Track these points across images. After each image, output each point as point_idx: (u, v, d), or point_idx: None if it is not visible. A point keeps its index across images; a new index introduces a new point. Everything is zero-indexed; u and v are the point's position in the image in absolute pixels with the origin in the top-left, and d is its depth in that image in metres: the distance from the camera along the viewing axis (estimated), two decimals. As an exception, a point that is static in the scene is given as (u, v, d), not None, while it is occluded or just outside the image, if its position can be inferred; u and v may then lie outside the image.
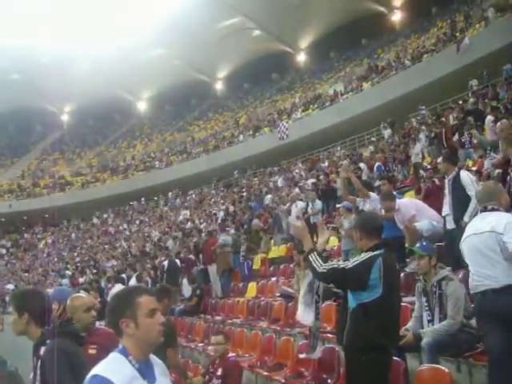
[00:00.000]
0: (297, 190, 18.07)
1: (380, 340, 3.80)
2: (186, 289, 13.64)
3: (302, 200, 15.29)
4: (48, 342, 2.97)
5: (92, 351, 3.51)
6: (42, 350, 2.96)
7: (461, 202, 6.82)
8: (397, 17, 42.99)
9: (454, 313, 4.77)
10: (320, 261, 3.95)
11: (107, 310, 2.43)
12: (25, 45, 44.86)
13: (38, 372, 2.94)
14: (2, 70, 47.93)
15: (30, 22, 43.50)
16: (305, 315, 5.38)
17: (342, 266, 3.96)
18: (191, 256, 14.71)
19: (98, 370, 2.22)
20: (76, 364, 2.93)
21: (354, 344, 3.91)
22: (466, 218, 6.49)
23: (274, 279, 11.74)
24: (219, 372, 5.92)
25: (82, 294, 4.89)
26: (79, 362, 2.99)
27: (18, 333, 3.13)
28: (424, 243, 5.47)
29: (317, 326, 5.25)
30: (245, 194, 25.80)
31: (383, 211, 7.73)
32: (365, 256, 3.93)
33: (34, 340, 3.09)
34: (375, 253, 3.92)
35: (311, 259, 3.99)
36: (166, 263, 14.17)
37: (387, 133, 22.27)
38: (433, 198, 8.94)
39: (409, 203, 7.71)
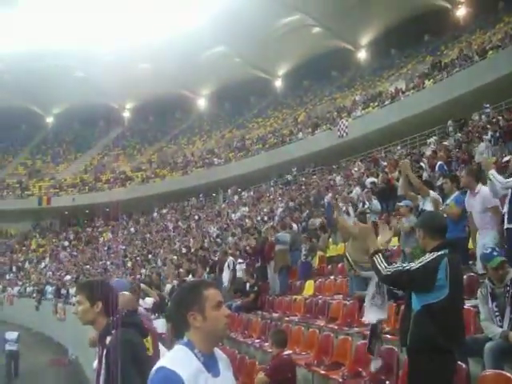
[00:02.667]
0: (357, 188, 17.90)
1: (445, 342, 3.71)
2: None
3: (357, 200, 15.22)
4: (114, 331, 3.03)
5: None
6: (108, 339, 3.02)
7: None
8: (461, 12, 41.77)
9: None
10: (385, 263, 3.88)
11: (173, 304, 2.46)
12: (88, 43, 46.08)
13: (104, 361, 3.00)
14: (67, 68, 49.43)
15: (93, 22, 44.58)
16: (377, 315, 5.40)
17: (406, 267, 3.87)
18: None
19: (165, 362, 2.25)
20: (140, 354, 2.99)
21: (418, 346, 3.82)
22: None
23: (331, 278, 11.68)
24: (269, 367, 6.02)
25: (126, 293, 4.99)
26: (143, 353, 3.05)
27: (86, 322, 3.19)
28: (497, 249, 5.36)
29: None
30: (304, 191, 25.72)
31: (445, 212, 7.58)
32: (430, 256, 3.84)
33: (99, 330, 3.16)
34: (440, 253, 3.83)
35: (376, 261, 3.93)
36: (231, 260, 14.35)
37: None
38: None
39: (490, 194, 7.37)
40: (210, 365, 2.32)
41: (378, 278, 4.32)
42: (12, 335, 18.38)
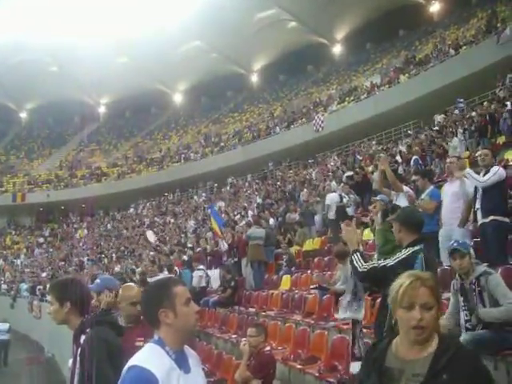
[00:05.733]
0: (333, 182, 17.95)
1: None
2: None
3: (334, 192, 15.23)
4: (88, 330, 3.01)
5: (139, 343, 3.52)
6: (82, 338, 3.00)
7: (491, 196, 6.73)
8: (435, 7, 42.17)
9: (507, 297, 4.58)
10: (362, 260, 3.95)
11: (143, 302, 2.47)
12: (64, 38, 45.51)
13: (78, 359, 2.98)
14: (41, 63, 48.77)
15: (68, 17, 44.09)
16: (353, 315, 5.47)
17: (382, 264, 3.94)
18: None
19: (136, 360, 2.25)
20: (114, 353, 2.98)
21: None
22: None
23: (308, 272, 11.72)
24: (252, 364, 5.95)
25: (133, 285, 4.93)
26: (117, 352, 3.03)
27: (59, 322, 3.17)
28: (461, 241, 5.31)
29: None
30: (279, 186, 25.71)
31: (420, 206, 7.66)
32: (406, 252, 3.90)
33: (73, 329, 3.13)
34: (416, 248, 3.90)
35: (354, 259, 4.00)
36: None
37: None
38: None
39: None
40: (181, 361, 2.34)
41: (356, 275, 4.37)
42: (3, 326, 19.28)
